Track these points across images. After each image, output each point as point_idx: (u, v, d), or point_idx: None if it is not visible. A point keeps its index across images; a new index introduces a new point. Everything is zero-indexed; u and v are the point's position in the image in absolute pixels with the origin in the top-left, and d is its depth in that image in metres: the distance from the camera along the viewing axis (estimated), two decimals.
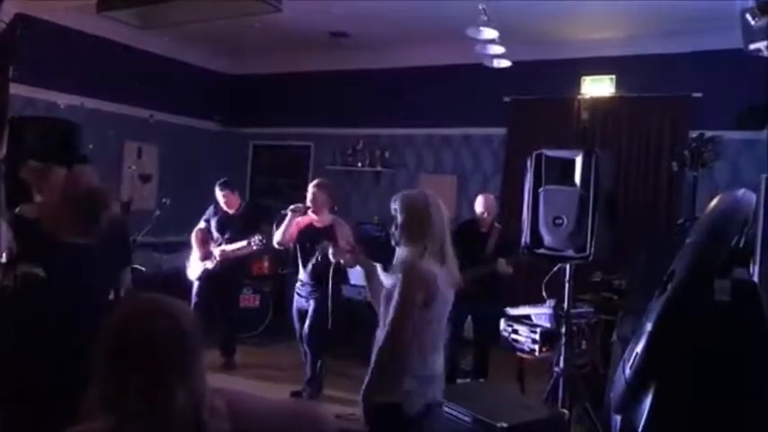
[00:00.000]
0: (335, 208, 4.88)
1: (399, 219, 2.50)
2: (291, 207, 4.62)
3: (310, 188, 4.66)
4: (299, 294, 4.75)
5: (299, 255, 4.72)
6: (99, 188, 2.62)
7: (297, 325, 4.79)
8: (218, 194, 5.44)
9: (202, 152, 7.84)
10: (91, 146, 5.52)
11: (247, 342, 6.02)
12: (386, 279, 2.61)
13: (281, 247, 4.85)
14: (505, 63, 5.20)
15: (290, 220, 4.61)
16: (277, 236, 4.70)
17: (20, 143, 3.47)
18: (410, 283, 2.36)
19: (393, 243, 2.55)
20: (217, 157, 7.97)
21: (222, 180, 5.55)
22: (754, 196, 2.05)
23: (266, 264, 6.69)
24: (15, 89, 3.95)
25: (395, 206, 2.53)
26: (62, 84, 6.21)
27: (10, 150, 3.39)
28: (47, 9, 5.72)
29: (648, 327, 1.95)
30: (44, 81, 5.92)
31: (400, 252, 2.50)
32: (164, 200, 6.31)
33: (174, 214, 6.28)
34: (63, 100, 6.21)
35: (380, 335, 2.46)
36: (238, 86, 8.26)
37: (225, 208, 5.46)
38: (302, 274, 4.71)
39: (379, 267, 6.29)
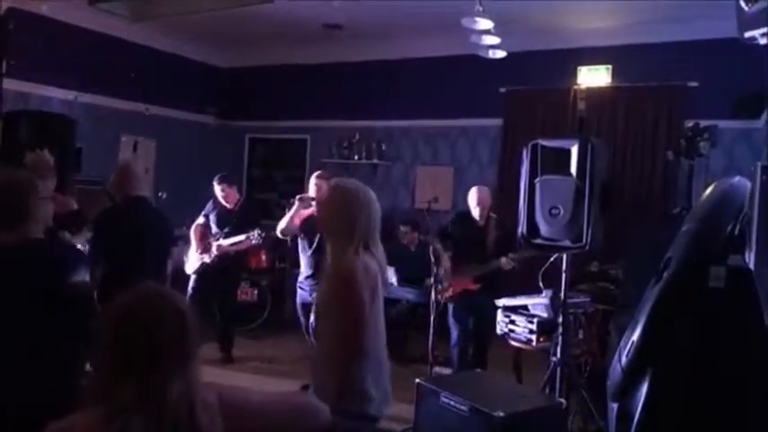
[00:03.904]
0: None
1: (330, 208, 2.34)
2: (299, 196, 4.59)
3: (313, 179, 4.63)
4: (301, 288, 4.68)
5: (300, 246, 4.68)
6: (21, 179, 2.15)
7: (302, 319, 4.66)
8: (216, 189, 5.41)
9: (198, 146, 7.81)
10: (86, 140, 5.52)
11: (245, 336, 6.02)
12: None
13: (284, 237, 4.82)
14: (501, 54, 5.19)
15: (297, 210, 4.54)
16: (281, 224, 4.62)
17: (13, 138, 3.46)
18: (357, 281, 2.18)
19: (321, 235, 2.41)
20: (213, 150, 7.95)
21: (220, 174, 5.50)
22: (748, 183, 2.05)
23: (264, 257, 6.68)
24: (8, 84, 3.94)
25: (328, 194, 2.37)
26: (56, 78, 6.17)
27: (3, 145, 3.39)
28: (39, 3, 5.69)
29: (644, 315, 1.95)
30: (37, 76, 5.89)
31: (330, 248, 2.32)
32: (160, 194, 6.28)
33: (171, 208, 6.23)
34: (57, 94, 6.18)
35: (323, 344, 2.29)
36: (234, 79, 8.23)
37: (223, 203, 5.43)
38: (304, 267, 4.66)
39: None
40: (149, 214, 3.90)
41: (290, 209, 4.63)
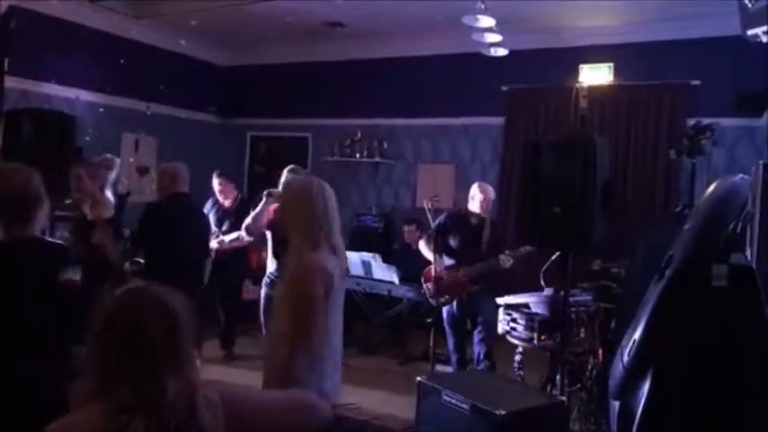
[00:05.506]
0: None
1: (284, 208, 2.36)
2: (267, 191, 4.32)
3: (284, 173, 4.39)
4: (265, 285, 4.43)
5: (269, 245, 4.48)
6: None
7: (263, 318, 4.42)
8: (214, 182, 5.53)
9: (200, 144, 7.80)
10: (87, 138, 5.53)
11: (247, 334, 6.02)
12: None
13: (250, 236, 4.63)
14: (503, 52, 5.19)
15: (264, 206, 4.26)
16: (246, 221, 4.38)
17: (15, 136, 3.47)
18: (311, 277, 2.19)
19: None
20: (214, 148, 7.95)
21: (220, 169, 5.69)
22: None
23: (265, 255, 6.68)
24: (10, 82, 3.95)
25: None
26: (57, 76, 6.17)
27: (5, 143, 3.39)
28: (41, 1, 5.69)
29: (646, 313, 1.95)
30: (39, 73, 5.89)
31: (290, 247, 2.32)
32: None
33: None
34: (58, 92, 6.18)
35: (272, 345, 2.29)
36: (235, 77, 8.23)
37: (220, 199, 5.50)
38: (272, 266, 4.41)
39: (378, 258, 6.25)
40: (189, 209, 4.35)
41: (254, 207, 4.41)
